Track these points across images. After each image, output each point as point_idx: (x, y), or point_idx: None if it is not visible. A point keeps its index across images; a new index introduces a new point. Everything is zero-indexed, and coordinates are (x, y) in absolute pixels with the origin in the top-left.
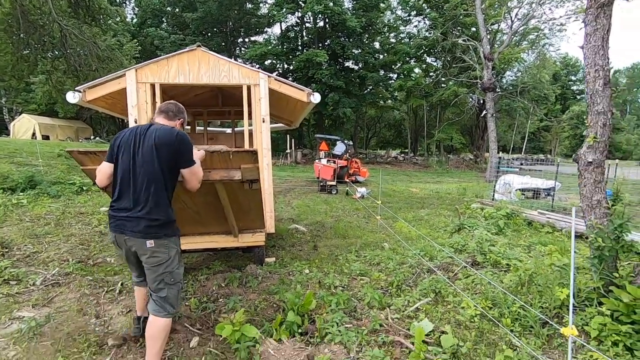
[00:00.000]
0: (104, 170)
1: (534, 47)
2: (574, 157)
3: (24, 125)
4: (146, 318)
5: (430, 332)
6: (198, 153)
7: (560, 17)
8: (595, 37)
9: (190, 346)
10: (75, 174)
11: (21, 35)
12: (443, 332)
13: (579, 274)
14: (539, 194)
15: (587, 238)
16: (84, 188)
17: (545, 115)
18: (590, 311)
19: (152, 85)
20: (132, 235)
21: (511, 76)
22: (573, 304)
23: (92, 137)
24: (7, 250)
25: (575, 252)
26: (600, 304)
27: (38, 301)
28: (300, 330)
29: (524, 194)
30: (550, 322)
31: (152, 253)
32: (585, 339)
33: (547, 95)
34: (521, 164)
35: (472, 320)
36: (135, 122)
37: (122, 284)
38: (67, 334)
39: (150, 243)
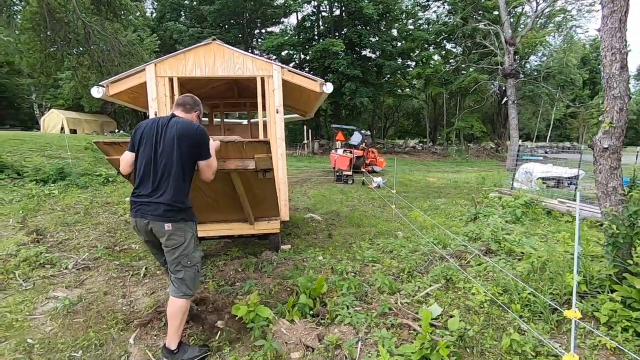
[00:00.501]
0: (126, 159)
1: (560, 30)
2: (589, 144)
3: (53, 120)
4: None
5: (438, 316)
6: (213, 144)
7: None
8: (612, 19)
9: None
10: (101, 165)
11: (48, 32)
12: (451, 316)
13: (592, 261)
14: (562, 182)
15: (602, 225)
16: (110, 179)
17: (572, 101)
18: (602, 298)
19: (171, 79)
20: (152, 219)
21: (535, 61)
22: (585, 291)
23: (116, 130)
24: (41, 237)
25: (590, 239)
26: (613, 291)
27: (71, 283)
28: (311, 312)
29: (545, 183)
30: (559, 308)
31: (169, 235)
32: (595, 325)
33: (574, 80)
34: (545, 152)
35: (482, 305)
36: (155, 114)
37: (146, 268)
38: (97, 312)
39: (168, 226)
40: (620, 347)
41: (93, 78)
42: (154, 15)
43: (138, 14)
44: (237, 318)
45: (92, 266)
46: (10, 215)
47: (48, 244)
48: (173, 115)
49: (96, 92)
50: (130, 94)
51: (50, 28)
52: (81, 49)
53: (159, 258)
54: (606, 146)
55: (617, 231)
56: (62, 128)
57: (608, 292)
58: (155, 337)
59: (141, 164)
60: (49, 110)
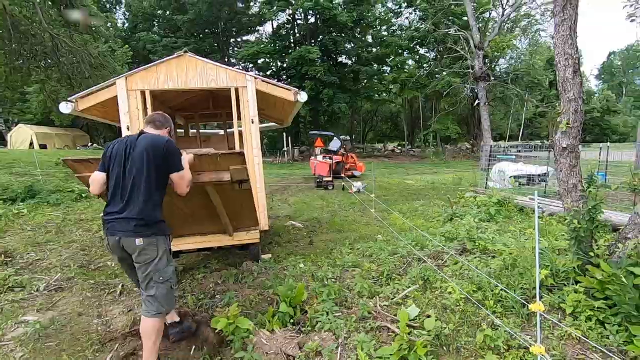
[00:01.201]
0: (97, 179)
1: (525, 34)
2: (549, 143)
3: (21, 135)
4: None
5: (416, 316)
6: (187, 157)
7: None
8: (563, 27)
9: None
10: (74, 181)
11: (13, 45)
12: (428, 316)
13: (559, 255)
14: (533, 180)
15: (565, 220)
16: (83, 195)
17: (540, 101)
18: (567, 289)
19: (142, 92)
20: (123, 235)
21: (504, 64)
22: (552, 284)
23: (89, 144)
24: (10, 259)
25: (557, 234)
26: (577, 282)
27: (42, 305)
28: (292, 321)
29: (517, 181)
30: (525, 303)
31: (141, 250)
32: (562, 316)
33: (541, 81)
34: (518, 151)
35: (458, 304)
36: (128, 128)
37: (122, 286)
38: (71, 334)
39: (139, 241)
40: (584, 337)
41: (63, 91)
42: (126, 25)
43: (109, 24)
44: (217, 331)
45: (65, 286)
46: None
47: (17, 266)
48: (142, 132)
49: (65, 107)
50: (100, 109)
51: (16, 41)
52: (49, 61)
53: (133, 277)
54: (565, 145)
55: (579, 225)
56: (31, 143)
57: (573, 284)
58: (132, 357)
59: (112, 182)
60: (16, 125)
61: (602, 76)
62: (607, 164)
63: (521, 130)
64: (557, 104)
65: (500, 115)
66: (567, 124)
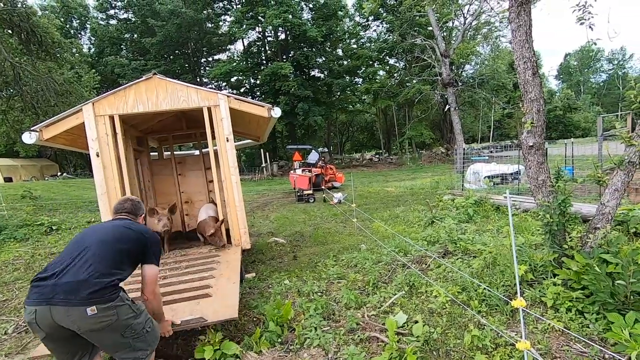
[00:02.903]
0: None
1: (487, 40)
2: (517, 142)
3: None
4: None
5: (404, 323)
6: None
7: (505, 10)
8: (519, 33)
9: None
10: (42, 214)
11: None
12: (416, 322)
13: (536, 249)
14: (507, 179)
15: (539, 215)
16: (53, 227)
17: (506, 103)
18: (547, 283)
19: (111, 117)
20: (69, 305)
21: (470, 69)
22: (531, 279)
23: (58, 173)
24: None
25: (532, 230)
26: (555, 275)
27: (11, 349)
28: (280, 340)
29: (492, 181)
30: (509, 300)
31: (96, 319)
32: (544, 309)
33: (505, 84)
34: (490, 152)
35: (444, 306)
36: (97, 155)
37: None
38: None
39: (92, 310)
40: (565, 329)
41: (27, 121)
42: (92, 50)
43: (74, 50)
44: None
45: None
46: None
47: None
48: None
49: (28, 137)
50: (67, 137)
51: None
52: (11, 91)
53: None
54: (531, 144)
55: (551, 220)
56: None
57: (551, 277)
58: None
59: (73, 251)
60: None
61: (561, 76)
62: (573, 159)
63: (491, 132)
64: (521, 105)
65: (471, 118)
66: (532, 123)
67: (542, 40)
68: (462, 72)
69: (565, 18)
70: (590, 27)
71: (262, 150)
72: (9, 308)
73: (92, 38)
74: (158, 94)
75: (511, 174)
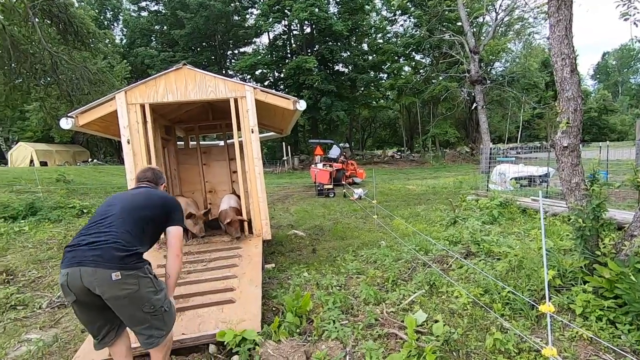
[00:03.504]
0: None
1: (519, 37)
2: (550, 143)
3: (21, 153)
4: None
5: (424, 322)
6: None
7: (543, 4)
8: (559, 28)
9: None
10: (74, 197)
11: (12, 64)
12: (436, 321)
13: (565, 255)
14: (534, 181)
15: (570, 219)
16: (84, 211)
17: (537, 103)
18: (576, 290)
19: (142, 106)
20: (97, 267)
21: (500, 67)
22: (560, 284)
23: (89, 160)
24: (12, 277)
25: (562, 234)
26: (585, 282)
27: (45, 323)
28: (298, 331)
29: (518, 183)
30: (535, 305)
31: (119, 285)
32: (572, 317)
33: (537, 83)
34: (517, 153)
35: (465, 308)
36: (128, 142)
37: None
38: (75, 351)
39: (116, 275)
40: (596, 337)
41: (63, 108)
42: (124, 41)
43: (107, 41)
44: (223, 344)
45: (67, 304)
46: None
47: (19, 284)
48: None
49: (65, 123)
50: (100, 123)
51: (15, 60)
52: (49, 79)
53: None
54: (565, 145)
55: (583, 224)
56: (32, 161)
57: (581, 284)
58: None
59: (104, 211)
60: (16, 143)
61: (598, 76)
62: (608, 163)
63: (519, 132)
64: (555, 105)
65: (498, 117)
66: (567, 123)
67: (578, 37)
68: (491, 69)
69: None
70: (635, 23)
71: (283, 143)
72: (43, 284)
73: (124, 29)
74: (187, 84)
75: (539, 176)
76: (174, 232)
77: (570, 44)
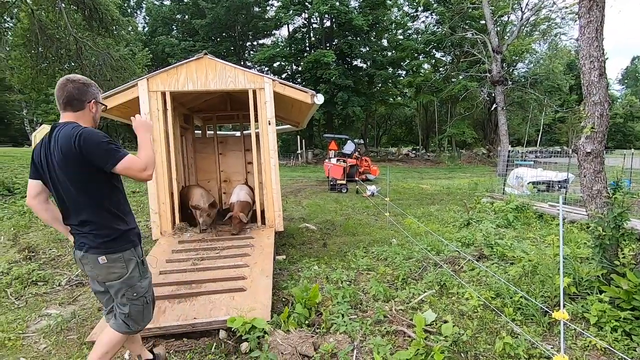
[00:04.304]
0: (30, 188)
1: (545, 38)
2: (572, 148)
3: (45, 135)
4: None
5: (433, 321)
6: (142, 122)
7: (574, 4)
8: (589, 29)
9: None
10: None
11: (39, 49)
12: (445, 322)
13: (581, 263)
14: (553, 186)
15: (589, 227)
16: None
17: (559, 106)
18: (591, 299)
19: (163, 93)
20: (87, 252)
21: (523, 68)
22: (574, 292)
23: None
24: (33, 254)
25: (579, 242)
26: (602, 292)
27: (64, 300)
28: (307, 322)
29: (536, 187)
30: (549, 311)
31: (107, 269)
32: (585, 326)
33: (561, 86)
34: (536, 157)
35: (475, 310)
36: None
37: None
38: (91, 328)
39: (102, 259)
40: (610, 347)
41: None
42: (146, 29)
43: (130, 28)
44: (232, 330)
45: (85, 282)
46: (1, 232)
47: (40, 261)
48: (55, 126)
49: None
50: (123, 109)
51: (42, 44)
52: (73, 64)
53: (100, 297)
54: (589, 150)
55: (603, 233)
56: None
57: (597, 293)
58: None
59: (53, 190)
60: (40, 125)
61: (626, 81)
62: (632, 172)
63: (539, 136)
64: (581, 109)
65: (518, 120)
66: (592, 128)
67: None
68: (513, 70)
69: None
70: None
71: (298, 136)
72: (62, 263)
73: (146, 17)
74: (207, 74)
75: (558, 181)
76: (120, 169)
77: (600, 46)
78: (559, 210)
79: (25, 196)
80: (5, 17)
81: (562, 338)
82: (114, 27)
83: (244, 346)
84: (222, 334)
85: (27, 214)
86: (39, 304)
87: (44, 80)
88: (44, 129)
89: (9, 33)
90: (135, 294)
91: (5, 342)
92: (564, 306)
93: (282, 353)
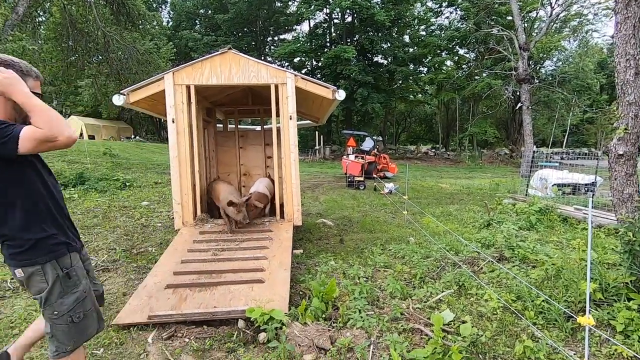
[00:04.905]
0: None
1: (575, 35)
2: (603, 150)
3: (73, 126)
4: None
5: (450, 321)
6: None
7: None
8: (625, 26)
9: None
10: (119, 171)
11: (70, 42)
12: (463, 322)
13: (608, 269)
14: (579, 189)
15: (618, 232)
16: (127, 184)
17: (589, 106)
18: (618, 306)
19: (188, 87)
20: (5, 262)
21: (550, 66)
22: (600, 299)
23: (132, 136)
24: None
25: (607, 247)
26: (630, 299)
27: None
28: (324, 316)
29: (561, 190)
30: (573, 316)
31: (24, 282)
32: (611, 333)
33: (591, 85)
34: (561, 158)
35: (495, 312)
36: (173, 121)
37: None
38: (117, 312)
39: (19, 272)
40: (637, 356)
41: (112, 86)
42: (170, 24)
43: (155, 23)
44: (251, 320)
45: (111, 268)
46: None
47: None
48: None
49: (117, 100)
50: (149, 102)
51: (72, 38)
52: (100, 57)
53: None
54: (621, 152)
55: (634, 238)
56: (81, 134)
57: (625, 300)
58: (173, 338)
59: None
60: (69, 116)
61: None
62: None
63: (566, 137)
64: (613, 109)
65: (543, 120)
66: (625, 129)
67: None
68: (540, 68)
69: None
70: None
71: (316, 132)
72: (89, 249)
73: (170, 12)
74: (231, 68)
75: (585, 184)
76: (27, 145)
77: (637, 44)
78: (585, 214)
79: None
80: (38, 11)
81: (587, 344)
82: (140, 22)
83: (262, 336)
84: (241, 323)
85: None
86: None
87: (73, 72)
88: (73, 121)
89: (42, 27)
90: (55, 313)
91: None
92: (589, 312)
93: (299, 345)
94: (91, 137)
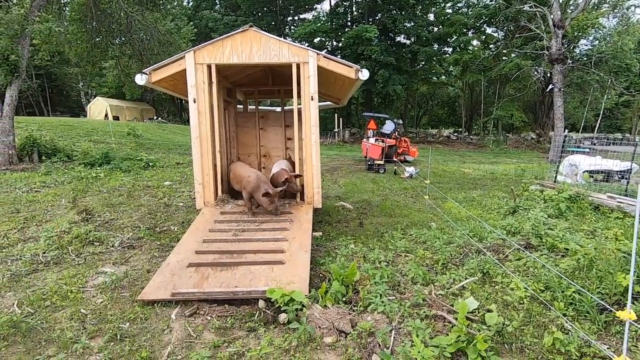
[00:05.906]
0: None
1: (615, 11)
2: None
3: (98, 107)
4: None
5: (475, 309)
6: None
7: None
8: None
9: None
10: (142, 151)
11: (94, 23)
12: (489, 311)
13: None
14: (612, 176)
15: None
16: (150, 164)
17: (626, 88)
18: None
19: (209, 66)
20: None
21: (586, 45)
22: (639, 292)
23: (154, 117)
24: (90, 216)
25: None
26: None
27: (117, 260)
28: (344, 299)
29: (592, 177)
30: (610, 308)
31: None
32: None
33: (630, 66)
34: (593, 144)
35: (521, 301)
36: (194, 101)
37: None
38: (141, 288)
39: None
40: None
41: (134, 67)
42: (191, 4)
43: (175, 3)
44: (271, 300)
45: (135, 245)
46: (62, 195)
47: (96, 223)
48: None
49: (140, 79)
50: (170, 81)
51: (96, 19)
52: (123, 39)
53: None
54: None
55: None
56: (106, 115)
57: None
58: (195, 315)
59: None
60: (94, 97)
61: None
62: None
63: (598, 121)
64: None
65: (575, 103)
66: None
67: None
68: (574, 47)
69: None
70: None
71: (336, 115)
72: (115, 226)
73: None
74: (252, 47)
75: (619, 171)
76: None
77: None
78: (619, 202)
79: (83, 163)
80: None
81: (625, 339)
82: (162, 2)
83: (282, 317)
84: (261, 303)
85: (84, 179)
86: (95, 262)
87: (97, 53)
88: (98, 101)
89: (67, 8)
90: None
91: (68, 294)
92: (624, 306)
93: (319, 327)
94: (115, 118)
